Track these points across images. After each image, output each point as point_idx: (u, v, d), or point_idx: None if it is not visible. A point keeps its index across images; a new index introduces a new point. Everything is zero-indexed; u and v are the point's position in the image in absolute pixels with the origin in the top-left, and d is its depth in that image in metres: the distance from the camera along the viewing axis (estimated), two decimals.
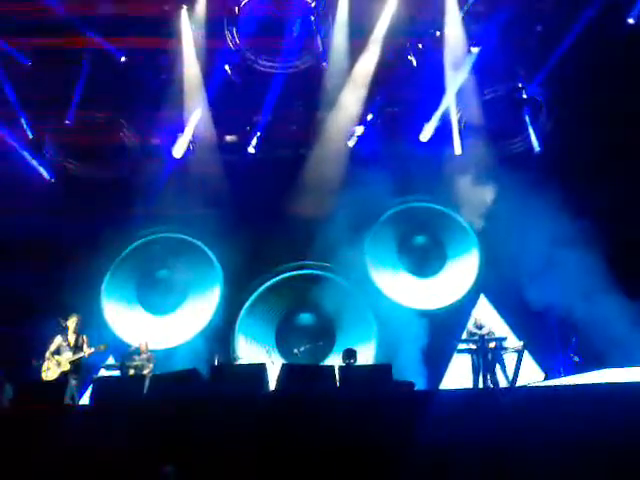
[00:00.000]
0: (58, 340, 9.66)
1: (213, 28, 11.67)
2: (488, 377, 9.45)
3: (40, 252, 10.96)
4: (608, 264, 10.06)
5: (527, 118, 11.93)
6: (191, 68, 11.84)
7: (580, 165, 11.22)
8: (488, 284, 11.77)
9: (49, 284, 11.17)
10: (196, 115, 12.09)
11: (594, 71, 11.01)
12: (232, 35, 11.69)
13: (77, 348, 9.66)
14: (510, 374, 9.67)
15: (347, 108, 12.12)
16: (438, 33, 11.48)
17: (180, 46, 11.65)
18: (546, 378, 9.74)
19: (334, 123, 12.23)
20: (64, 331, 9.75)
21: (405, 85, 12.10)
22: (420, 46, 11.60)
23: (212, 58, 11.88)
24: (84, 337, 9.81)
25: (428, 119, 12.06)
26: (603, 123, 11.06)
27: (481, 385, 9.41)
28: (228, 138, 12.81)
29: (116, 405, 7.39)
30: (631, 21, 10.39)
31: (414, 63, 11.67)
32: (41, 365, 9.51)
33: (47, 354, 9.55)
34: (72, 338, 9.75)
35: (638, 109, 10.86)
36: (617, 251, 10.40)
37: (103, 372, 10.67)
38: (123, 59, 11.56)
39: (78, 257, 11.50)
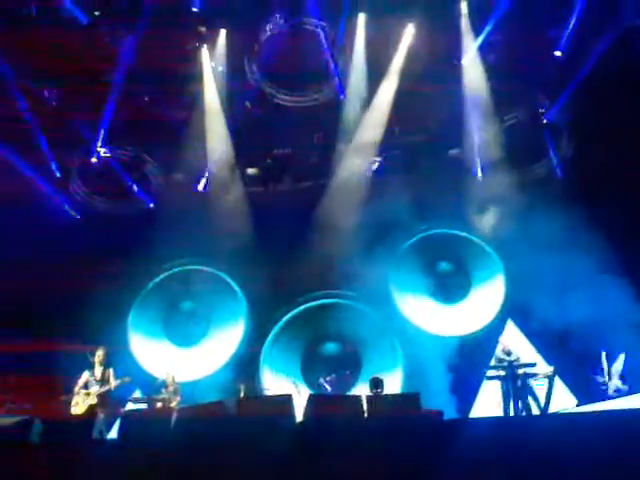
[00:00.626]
0: (86, 375, 9.75)
1: (233, 64, 11.94)
2: (519, 404, 9.28)
3: (67, 285, 11.08)
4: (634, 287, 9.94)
5: (548, 143, 11.92)
6: (212, 104, 12.10)
7: (602, 189, 11.13)
8: (515, 309, 11.61)
9: (76, 317, 11.28)
10: (218, 149, 12.30)
11: (614, 95, 11.00)
12: (252, 71, 11.95)
13: (104, 381, 9.74)
14: (542, 400, 9.50)
15: (366, 138, 12.25)
16: (456, 62, 11.61)
17: (201, 84, 11.93)
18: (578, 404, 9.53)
19: (354, 153, 12.35)
20: (91, 365, 9.85)
21: (424, 114, 12.20)
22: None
23: (233, 93, 12.13)
24: (110, 370, 9.88)
25: (448, 147, 12.11)
26: (625, 147, 10.99)
27: (512, 412, 9.25)
28: (249, 171, 13.00)
29: (144, 441, 7.39)
30: None
31: (432, 92, 11.77)
32: (70, 400, 9.58)
33: (76, 389, 9.64)
34: (99, 372, 9.85)
35: None
36: None
37: (130, 405, 10.66)
38: (146, 99, 11.87)
39: (104, 291, 11.62)
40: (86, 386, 9.67)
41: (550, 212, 10.56)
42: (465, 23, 11.34)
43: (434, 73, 11.66)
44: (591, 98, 11.27)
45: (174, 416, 8.03)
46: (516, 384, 9.31)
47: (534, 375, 9.41)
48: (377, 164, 12.51)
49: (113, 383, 9.71)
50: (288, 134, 12.55)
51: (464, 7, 11.31)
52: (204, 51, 11.78)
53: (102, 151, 12.19)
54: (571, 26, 10.89)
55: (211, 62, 11.86)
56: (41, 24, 10.70)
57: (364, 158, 12.41)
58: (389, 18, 11.28)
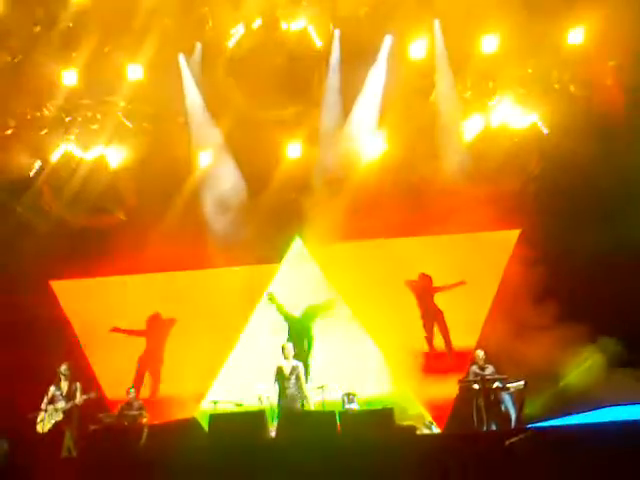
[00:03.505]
0: (52, 390, 9.52)
1: None
2: (490, 418, 9.33)
3: None
4: None
5: None
6: None
7: None
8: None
9: None
10: None
11: None
12: None
13: (70, 396, 9.53)
14: (513, 414, 9.58)
15: None
16: None
17: None
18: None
19: None
20: (57, 380, 9.63)
21: None
22: None
23: None
24: (77, 384, 9.68)
25: None
26: None
27: (485, 427, 9.29)
28: None
29: (114, 456, 7.25)
30: None
31: None
32: (36, 417, 9.33)
33: (42, 405, 9.41)
34: (65, 386, 9.64)
35: None
36: None
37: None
38: None
39: None
40: (52, 401, 9.45)
41: None
42: None
43: None
44: None
45: (144, 432, 7.90)
46: (489, 398, 9.36)
47: (506, 389, 9.47)
48: None
49: (80, 399, 9.50)
50: None
51: None
52: None
53: None
54: None
55: None
56: None
57: None
58: None
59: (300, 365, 9.36)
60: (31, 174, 12.06)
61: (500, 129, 11.69)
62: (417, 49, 11.38)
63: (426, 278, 11.68)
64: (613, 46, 10.67)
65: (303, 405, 9.17)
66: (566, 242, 10.79)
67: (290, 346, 9.46)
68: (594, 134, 10.83)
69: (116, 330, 11.58)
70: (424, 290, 11.71)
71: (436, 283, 11.68)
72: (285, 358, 9.31)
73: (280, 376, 9.21)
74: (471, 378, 9.73)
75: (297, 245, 12.04)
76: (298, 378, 9.19)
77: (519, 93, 11.55)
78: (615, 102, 10.99)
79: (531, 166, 11.46)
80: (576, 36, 10.89)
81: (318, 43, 11.57)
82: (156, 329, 11.84)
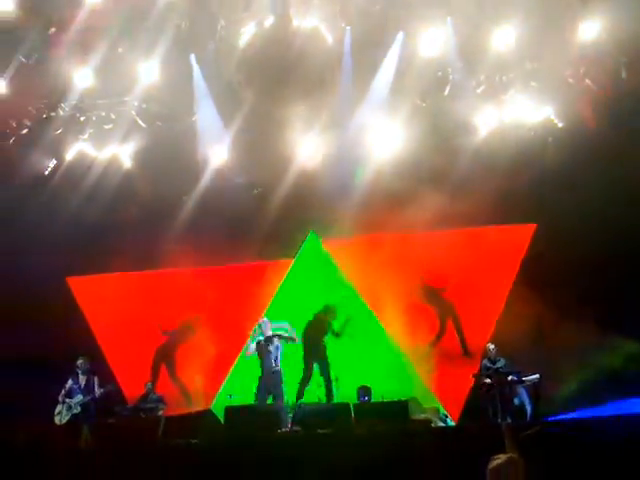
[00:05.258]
0: (69, 383, 9.63)
1: None
2: (505, 411, 9.28)
3: None
4: None
5: None
6: None
7: None
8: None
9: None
10: None
11: None
12: None
13: (88, 390, 9.62)
14: (529, 407, 9.53)
15: None
16: None
17: None
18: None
19: None
20: (75, 373, 9.73)
21: None
22: None
23: None
24: (95, 378, 9.78)
25: None
26: None
27: (499, 420, 9.24)
28: None
29: (131, 448, 7.31)
30: None
31: None
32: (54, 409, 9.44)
33: (59, 397, 9.52)
34: (83, 380, 9.74)
35: None
36: None
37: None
38: None
39: None
40: (69, 395, 9.55)
41: None
42: None
43: None
44: None
45: (161, 424, 7.96)
46: (503, 392, 9.31)
47: (521, 382, 9.41)
48: None
49: (97, 392, 9.59)
50: None
51: None
52: None
53: None
54: None
55: None
56: None
57: None
58: None
59: (275, 339, 9.60)
60: (46, 172, 12.21)
61: (514, 123, 11.64)
62: (430, 45, 11.36)
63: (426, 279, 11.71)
64: (628, 40, 10.59)
65: (279, 378, 9.41)
66: (582, 236, 10.73)
67: (265, 322, 9.69)
68: (608, 128, 10.78)
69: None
70: (430, 289, 11.74)
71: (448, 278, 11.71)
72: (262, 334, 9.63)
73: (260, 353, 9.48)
74: (483, 372, 9.69)
75: (311, 240, 12.08)
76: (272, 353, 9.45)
77: (533, 87, 11.51)
78: (629, 96, 10.92)
79: (546, 160, 11.39)
80: (591, 30, 10.82)
81: (330, 40, 11.58)
82: (173, 324, 11.93)
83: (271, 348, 9.50)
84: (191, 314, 11.80)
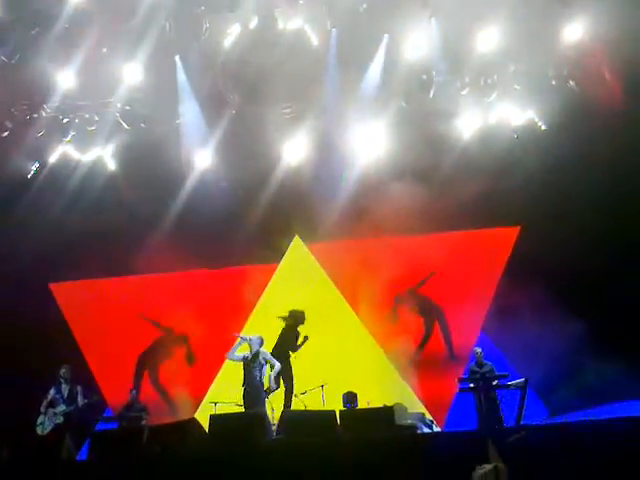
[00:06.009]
0: (51, 393, 9.50)
1: None
2: (491, 416, 9.30)
3: None
4: None
5: None
6: None
7: None
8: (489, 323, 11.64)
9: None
10: None
11: None
12: None
13: (71, 399, 9.49)
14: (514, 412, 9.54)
15: None
16: None
17: None
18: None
19: None
20: (58, 383, 9.61)
21: None
22: None
23: None
24: (78, 388, 9.65)
25: None
26: None
27: (485, 425, 9.27)
28: None
29: (115, 459, 7.23)
30: None
31: None
32: (35, 419, 9.32)
33: (41, 407, 9.39)
34: (66, 389, 9.60)
35: None
36: None
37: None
38: None
39: None
40: (52, 404, 9.42)
41: None
42: None
43: None
44: None
45: (145, 434, 7.87)
46: (489, 396, 9.33)
47: (506, 387, 9.43)
48: None
49: (80, 401, 9.47)
50: None
51: None
52: None
53: None
54: None
55: None
56: None
57: None
58: None
59: (261, 354, 9.47)
60: (29, 176, 12.06)
61: (498, 126, 11.67)
62: (414, 47, 11.35)
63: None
64: (609, 41, 10.63)
65: (262, 395, 9.31)
66: (566, 239, 10.79)
67: (254, 338, 9.59)
68: (592, 130, 10.82)
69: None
70: (412, 295, 11.75)
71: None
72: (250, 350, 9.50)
73: (245, 366, 9.42)
74: (470, 376, 9.70)
75: (297, 244, 12.04)
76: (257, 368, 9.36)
77: (516, 90, 11.54)
78: (613, 97, 10.96)
79: (529, 162, 11.43)
80: (573, 32, 10.87)
81: (315, 42, 11.52)
82: (156, 329, 11.85)
83: (255, 364, 9.43)
84: (176, 319, 11.70)
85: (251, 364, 9.41)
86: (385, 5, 11.07)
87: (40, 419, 9.32)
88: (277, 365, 9.43)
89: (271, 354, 9.60)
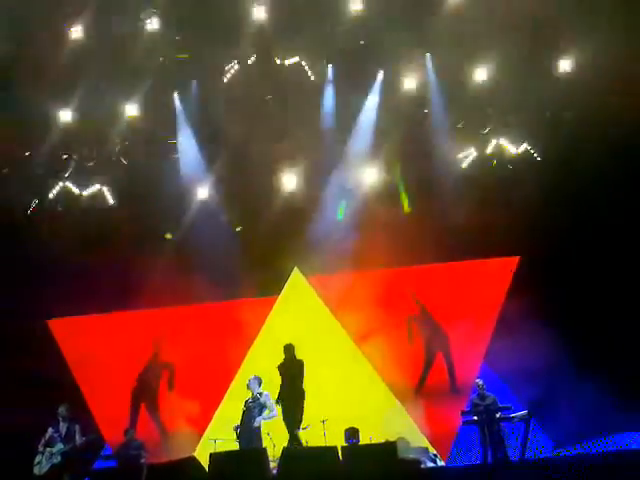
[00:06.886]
0: (49, 432, 9.33)
1: None
2: (495, 449, 9.16)
3: None
4: None
5: None
6: None
7: None
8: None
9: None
10: None
11: None
12: None
13: (69, 438, 9.32)
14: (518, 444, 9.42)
15: None
16: None
17: None
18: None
19: None
20: (56, 422, 9.46)
21: None
22: None
23: None
24: (76, 426, 9.49)
25: None
26: None
27: (489, 458, 9.13)
28: None
29: None
30: None
31: None
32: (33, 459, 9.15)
33: (39, 447, 9.21)
34: (63, 428, 9.44)
35: None
36: None
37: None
38: None
39: None
40: (50, 443, 9.25)
41: None
42: None
43: None
44: None
45: (144, 473, 7.75)
46: (492, 429, 9.21)
47: (510, 419, 9.31)
48: None
49: (78, 440, 9.30)
50: None
51: None
52: None
53: None
54: None
55: None
56: None
57: None
58: None
59: (262, 396, 9.41)
60: (29, 212, 12.08)
61: (494, 157, 11.79)
62: (410, 81, 11.54)
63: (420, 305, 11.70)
64: (603, 73, 10.80)
65: (257, 436, 9.23)
66: (565, 268, 10.80)
67: (251, 380, 9.54)
68: (588, 160, 10.93)
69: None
70: (424, 318, 11.70)
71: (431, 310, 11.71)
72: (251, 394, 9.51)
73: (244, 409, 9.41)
74: (472, 409, 9.59)
75: (296, 276, 12.02)
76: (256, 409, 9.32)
77: (512, 122, 11.69)
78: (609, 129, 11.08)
79: (525, 193, 11.50)
80: (566, 64, 11.06)
81: (312, 77, 11.69)
82: (153, 366, 11.74)
83: (255, 405, 9.36)
84: (172, 354, 11.61)
85: (251, 405, 9.37)
86: (381, 41, 11.28)
87: (37, 458, 9.12)
88: (274, 413, 9.41)
89: (281, 393, 9.53)
